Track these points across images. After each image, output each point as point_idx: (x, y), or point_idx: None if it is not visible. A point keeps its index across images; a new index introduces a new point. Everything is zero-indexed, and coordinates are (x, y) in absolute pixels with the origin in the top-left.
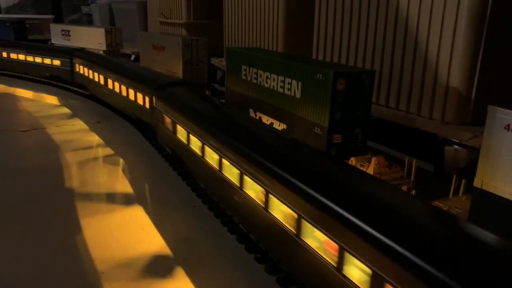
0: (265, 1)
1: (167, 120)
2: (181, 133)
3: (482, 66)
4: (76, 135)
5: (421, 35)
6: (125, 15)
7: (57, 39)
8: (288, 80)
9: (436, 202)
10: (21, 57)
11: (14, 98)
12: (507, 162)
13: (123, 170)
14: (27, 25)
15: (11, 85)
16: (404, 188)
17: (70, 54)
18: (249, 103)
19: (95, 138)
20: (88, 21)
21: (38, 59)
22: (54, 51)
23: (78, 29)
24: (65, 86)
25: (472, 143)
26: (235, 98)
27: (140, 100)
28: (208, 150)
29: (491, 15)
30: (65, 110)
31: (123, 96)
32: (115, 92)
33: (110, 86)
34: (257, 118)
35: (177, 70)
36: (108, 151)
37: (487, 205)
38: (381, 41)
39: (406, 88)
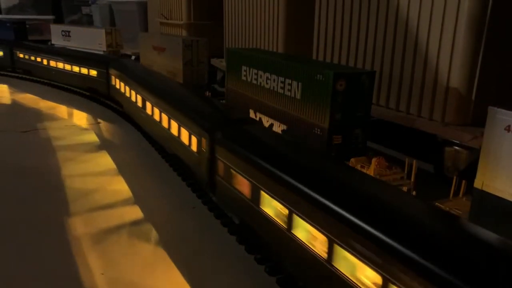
0: (266, 2)
1: (234, 176)
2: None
3: (482, 67)
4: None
5: (421, 36)
6: (126, 15)
7: (57, 40)
8: (288, 80)
9: (436, 203)
10: (58, 64)
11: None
12: (507, 163)
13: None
14: (27, 26)
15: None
16: (404, 189)
17: (106, 63)
18: (249, 103)
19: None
20: (88, 21)
21: (75, 68)
22: (90, 60)
23: (78, 29)
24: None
25: (472, 144)
26: (235, 99)
27: (189, 140)
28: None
29: (491, 17)
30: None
31: (165, 129)
32: (154, 121)
33: (148, 111)
34: (257, 119)
35: (178, 71)
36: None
37: (487, 206)
38: (381, 42)
39: (406, 89)
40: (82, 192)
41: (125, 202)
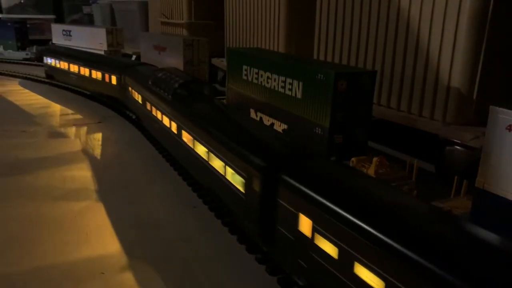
0: (267, 1)
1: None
2: None
3: (483, 66)
4: None
5: (423, 36)
6: (126, 15)
7: (58, 39)
8: (289, 80)
9: (437, 203)
10: (77, 69)
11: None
12: (509, 162)
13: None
14: (28, 25)
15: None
16: (405, 188)
17: (121, 70)
18: (250, 103)
19: None
20: (89, 21)
21: (95, 73)
22: (106, 64)
23: (79, 29)
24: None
25: (473, 143)
26: (236, 99)
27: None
28: None
29: (492, 16)
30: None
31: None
32: (185, 146)
33: (168, 125)
34: (258, 118)
35: None
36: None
37: (488, 206)
38: (382, 42)
39: (408, 88)
40: (82, 192)
41: (125, 202)
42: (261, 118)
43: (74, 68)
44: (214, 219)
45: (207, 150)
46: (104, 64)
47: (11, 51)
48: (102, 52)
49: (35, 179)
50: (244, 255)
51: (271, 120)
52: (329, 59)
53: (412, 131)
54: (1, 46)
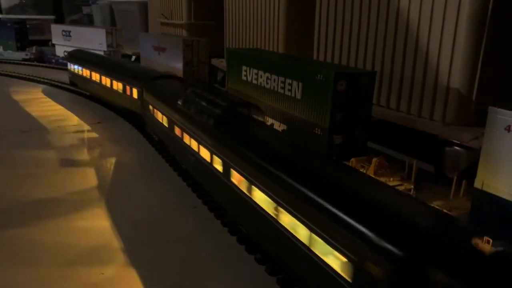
0: (266, 2)
1: None
2: None
3: (483, 67)
4: None
5: (422, 36)
6: (126, 15)
7: (58, 40)
8: (288, 81)
9: (436, 203)
10: (99, 78)
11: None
12: (508, 163)
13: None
14: (28, 26)
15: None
16: (405, 189)
17: (142, 82)
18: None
19: None
20: (89, 21)
21: (116, 84)
22: (129, 75)
23: (79, 29)
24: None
25: (472, 144)
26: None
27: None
28: None
29: (491, 16)
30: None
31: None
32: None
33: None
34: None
35: (178, 71)
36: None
37: (487, 206)
38: (382, 42)
39: (407, 89)
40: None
41: (124, 200)
42: None
43: (95, 76)
44: (214, 219)
45: (274, 204)
46: (126, 74)
47: (10, 51)
48: (102, 53)
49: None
50: (244, 255)
51: (271, 121)
52: (328, 59)
53: (412, 131)
54: (1, 47)
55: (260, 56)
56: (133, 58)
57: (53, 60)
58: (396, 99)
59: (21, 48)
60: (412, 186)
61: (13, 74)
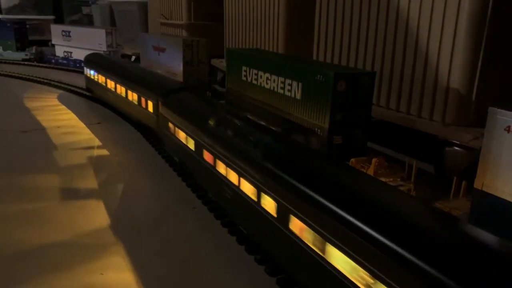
0: (266, 2)
1: None
2: None
3: (482, 67)
4: None
5: (422, 36)
6: (126, 16)
7: (57, 40)
8: (288, 81)
9: (436, 204)
10: (114, 86)
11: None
12: (508, 163)
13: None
14: (27, 26)
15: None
16: (405, 189)
17: (158, 94)
18: (249, 104)
19: None
20: (88, 21)
21: (131, 95)
22: (145, 85)
23: (78, 29)
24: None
25: (472, 144)
26: (235, 99)
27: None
28: None
29: (491, 17)
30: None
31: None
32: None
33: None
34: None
35: (178, 71)
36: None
37: (487, 206)
38: (382, 43)
39: (407, 89)
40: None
41: (124, 200)
42: None
43: (111, 84)
44: (214, 219)
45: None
46: (142, 84)
47: (10, 51)
48: (102, 53)
49: None
50: (244, 255)
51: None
52: (328, 59)
53: (412, 131)
54: (1, 47)
55: (260, 56)
56: (133, 58)
57: (53, 61)
58: (396, 99)
59: (20, 48)
60: (412, 186)
61: (12, 74)
